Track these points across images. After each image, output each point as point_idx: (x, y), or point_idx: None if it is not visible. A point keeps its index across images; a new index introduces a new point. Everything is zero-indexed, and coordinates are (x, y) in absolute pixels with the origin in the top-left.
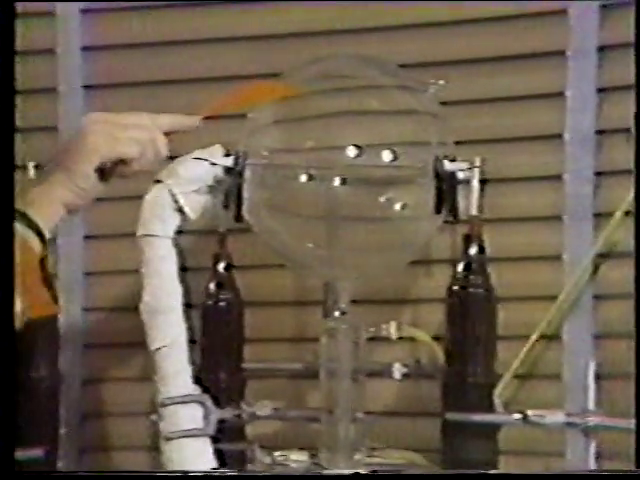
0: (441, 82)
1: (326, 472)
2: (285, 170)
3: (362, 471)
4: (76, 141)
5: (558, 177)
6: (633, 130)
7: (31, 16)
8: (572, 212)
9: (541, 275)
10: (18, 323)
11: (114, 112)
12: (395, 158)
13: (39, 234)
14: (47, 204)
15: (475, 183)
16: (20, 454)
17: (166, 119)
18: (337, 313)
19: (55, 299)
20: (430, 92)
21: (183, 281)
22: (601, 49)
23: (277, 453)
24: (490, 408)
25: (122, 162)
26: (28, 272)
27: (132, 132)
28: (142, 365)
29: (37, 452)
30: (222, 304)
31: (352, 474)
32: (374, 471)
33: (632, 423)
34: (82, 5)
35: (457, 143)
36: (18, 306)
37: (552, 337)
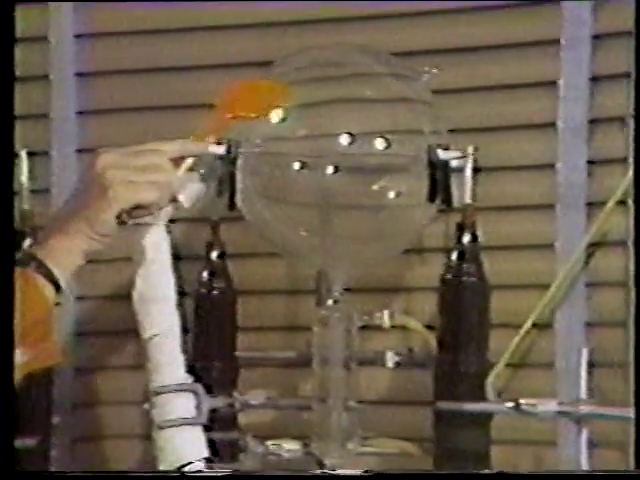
0: (434, 70)
1: (326, 472)
2: (278, 158)
3: (358, 470)
4: (93, 188)
5: (551, 166)
6: (631, 119)
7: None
8: (565, 201)
9: (534, 263)
10: (19, 374)
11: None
12: (388, 146)
13: (55, 284)
14: (67, 254)
15: (468, 171)
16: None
17: (175, 146)
18: (330, 301)
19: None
20: (423, 80)
21: (176, 269)
22: (595, 38)
23: (270, 442)
24: (482, 397)
25: (140, 206)
26: (39, 323)
27: (149, 176)
28: (135, 354)
29: (30, 441)
30: (215, 293)
31: (353, 475)
32: (367, 471)
33: (625, 411)
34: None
35: (450, 131)
36: (22, 357)
37: (545, 325)
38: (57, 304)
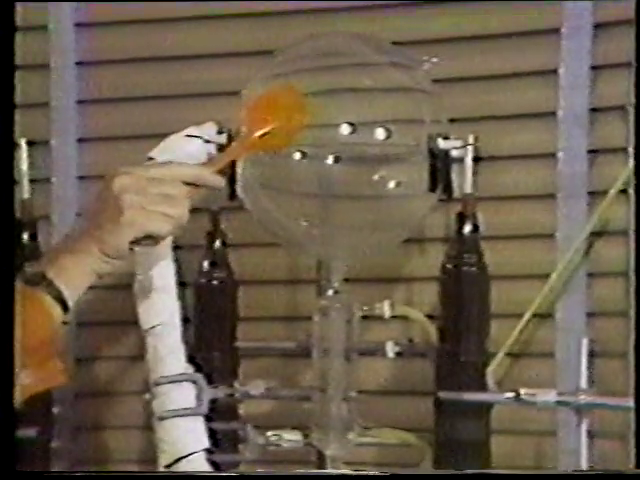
0: (434, 59)
1: (326, 472)
2: None
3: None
4: (108, 209)
5: (552, 155)
6: (632, 108)
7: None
8: (566, 190)
9: (534, 253)
10: (23, 395)
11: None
12: (389, 136)
13: (63, 303)
14: (78, 274)
15: (469, 161)
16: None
17: (193, 172)
18: (330, 292)
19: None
20: (423, 69)
21: (176, 259)
22: (595, 27)
23: (270, 433)
24: (483, 387)
25: (150, 236)
26: (45, 344)
27: (165, 208)
28: (135, 344)
29: (31, 431)
30: (216, 282)
31: (354, 475)
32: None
33: (625, 401)
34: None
35: (451, 121)
36: (27, 379)
37: (545, 315)
38: (64, 323)
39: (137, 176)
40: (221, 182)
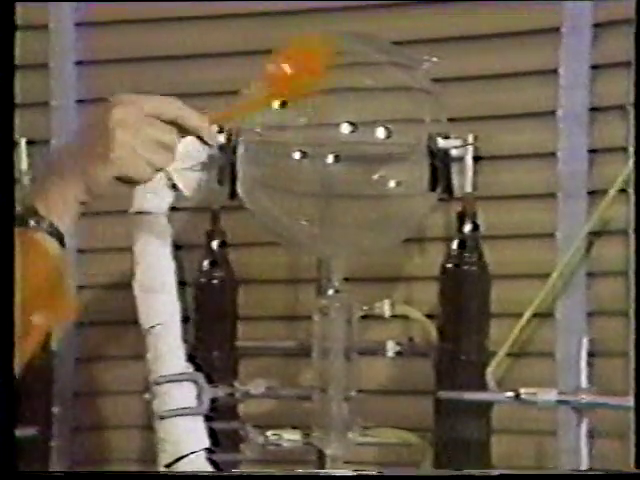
0: (435, 59)
1: (326, 472)
2: (278, 147)
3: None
4: (99, 140)
5: (552, 154)
6: (632, 108)
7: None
8: (566, 189)
9: (534, 252)
10: (39, 336)
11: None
12: (389, 135)
13: (58, 237)
14: (65, 205)
15: (469, 160)
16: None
17: (193, 120)
18: (330, 291)
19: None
20: (424, 69)
21: (176, 259)
22: (595, 26)
23: (270, 432)
24: (483, 386)
25: (132, 180)
26: (48, 281)
27: (153, 154)
28: (136, 343)
29: (31, 431)
30: (215, 282)
31: (354, 475)
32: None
33: (625, 401)
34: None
35: (451, 120)
36: (39, 319)
37: (545, 315)
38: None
39: (135, 111)
40: (214, 139)
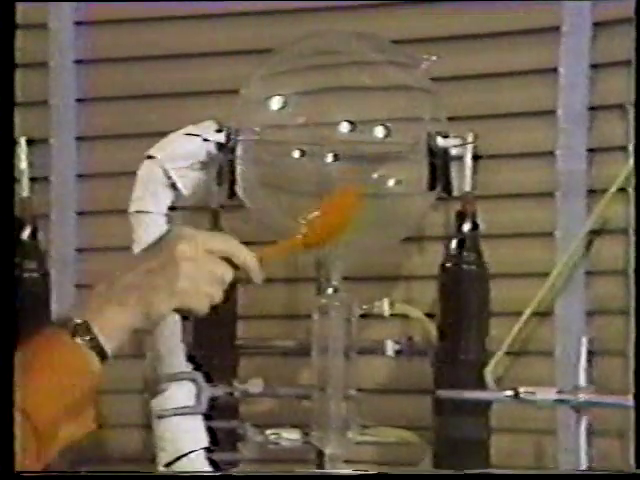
0: (434, 58)
1: (326, 472)
2: (277, 146)
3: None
4: (164, 271)
5: (551, 153)
6: (631, 107)
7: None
8: (565, 189)
9: (533, 251)
10: (61, 445)
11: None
12: (388, 134)
13: (102, 356)
14: (120, 329)
15: (468, 159)
16: None
17: (244, 257)
18: (329, 290)
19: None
20: (422, 68)
21: None
22: (595, 25)
23: (269, 431)
24: (482, 385)
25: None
26: (85, 396)
27: (210, 288)
28: (135, 342)
29: None
30: None
31: (354, 475)
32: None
33: (624, 400)
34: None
35: (450, 119)
36: (67, 429)
37: (544, 314)
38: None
39: (198, 247)
40: (260, 279)
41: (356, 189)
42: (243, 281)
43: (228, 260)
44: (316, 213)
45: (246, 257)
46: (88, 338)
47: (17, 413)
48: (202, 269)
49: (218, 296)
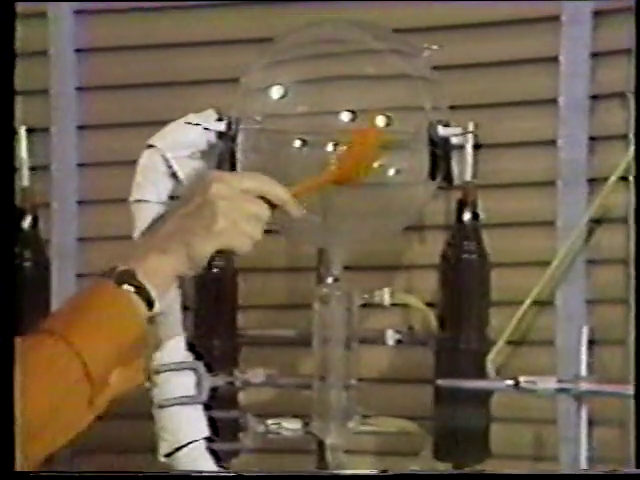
0: (435, 47)
1: (326, 472)
2: (278, 135)
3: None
4: (202, 213)
5: (552, 142)
6: (632, 95)
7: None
8: (566, 177)
9: (534, 241)
10: (111, 394)
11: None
12: (389, 123)
13: (149, 303)
14: (165, 276)
15: (469, 148)
16: None
17: (281, 194)
18: (330, 280)
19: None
20: (424, 57)
21: None
22: (595, 14)
23: (270, 421)
24: (482, 374)
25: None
26: (134, 344)
27: (249, 226)
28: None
29: None
30: (215, 270)
31: (354, 475)
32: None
33: (625, 389)
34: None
35: (451, 108)
36: (112, 378)
37: (545, 303)
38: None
39: (232, 186)
40: (300, 214)
41: (375, 130)
42: (279, 220)
43: (264, 199)
44: (344, 149)
45: (281, 193)
46: (134, 285)
47: (70, 360)
48: (239, 208)
49: (257, 234)
